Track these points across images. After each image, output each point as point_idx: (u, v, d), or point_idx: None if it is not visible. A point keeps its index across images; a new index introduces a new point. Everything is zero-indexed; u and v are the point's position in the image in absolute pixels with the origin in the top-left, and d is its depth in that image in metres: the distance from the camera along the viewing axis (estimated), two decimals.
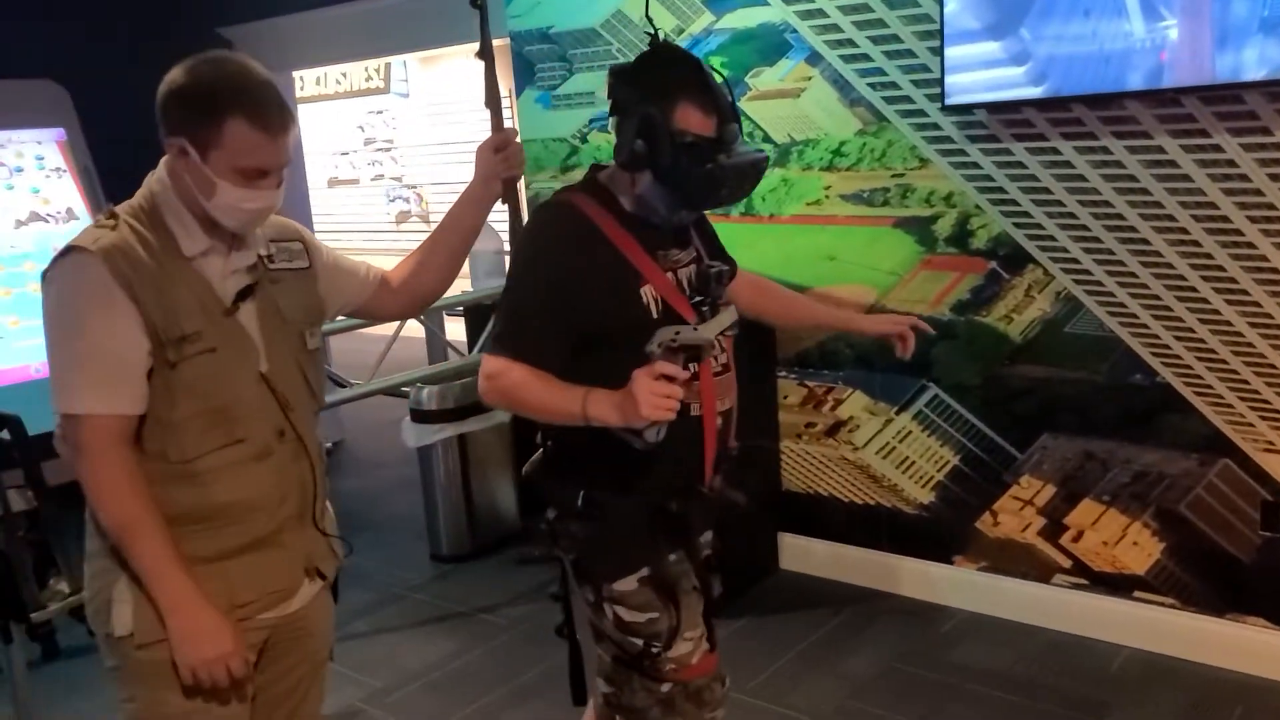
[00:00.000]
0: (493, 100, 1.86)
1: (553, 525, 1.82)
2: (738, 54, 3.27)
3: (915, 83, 2.96)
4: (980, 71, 2.74)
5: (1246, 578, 2.71)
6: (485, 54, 1.86)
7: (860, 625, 3.15)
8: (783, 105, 3.22)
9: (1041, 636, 3.00)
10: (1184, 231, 2.62)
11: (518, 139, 1.83)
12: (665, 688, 1.80)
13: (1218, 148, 2.53)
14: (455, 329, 4.85)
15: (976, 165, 2.91)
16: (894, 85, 3.00)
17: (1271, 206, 2.48)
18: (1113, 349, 2.78)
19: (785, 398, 3.44)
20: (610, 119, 1.71)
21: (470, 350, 4.31)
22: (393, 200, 10.67)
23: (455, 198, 1.83)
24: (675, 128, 1.61)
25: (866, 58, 3.02)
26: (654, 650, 1.78)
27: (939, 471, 3.18)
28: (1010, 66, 2.69)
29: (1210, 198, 2.56)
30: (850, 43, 3.04)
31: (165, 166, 1.54)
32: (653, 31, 1.75)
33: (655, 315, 1.69)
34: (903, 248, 3.10)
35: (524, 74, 3.84)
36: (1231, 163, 2.51)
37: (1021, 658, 2.91)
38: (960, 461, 3.13)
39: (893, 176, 3.07)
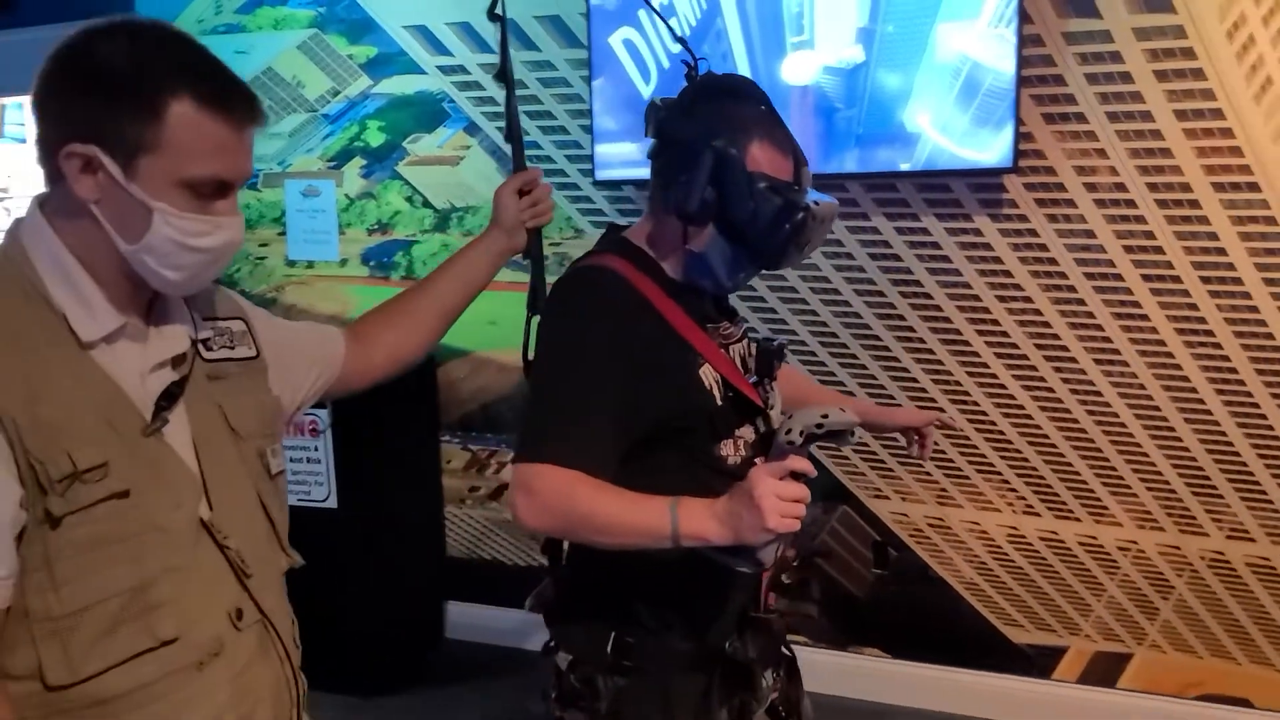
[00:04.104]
0: (514, 133, 1.60)
1: (566, 675, 1.42)
2: (396, 119, 3.26)
3: (569, 157, 3.10)
4: (626, 153, 2.93)
5: (863, 613, 3.02)
6: (505, 76, 1.61)
7: (524, 690, 3.14)
8: (442, 172, 3.25)
9: None
10: (804, 301, 2.92)
11: (543, 179, 1.55)
12: None
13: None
14: None
15: None
16: (549, 159, 3.12)
17: (872, 281, 2.84)
18: None
19: (449, 462, 3.42)
20: (653, 161, 1.39)
21: None
22: None
23: None
24: (749, 170, 1.31)
25: (522, 131, 3.12)
26: None
27: None
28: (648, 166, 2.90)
29: (824, 272, 2.88)
30: None
31: (40, 206, 1.04)
32: (691, 62, 1.45)
33: (719, 402, 1.37)
34: None
35: None
36: (839, 242, 2.85)
37: None
38: None
39: (550, 246, 3.17)
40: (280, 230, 3.47)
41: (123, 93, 0.97)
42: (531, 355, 1.40)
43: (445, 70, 3.17)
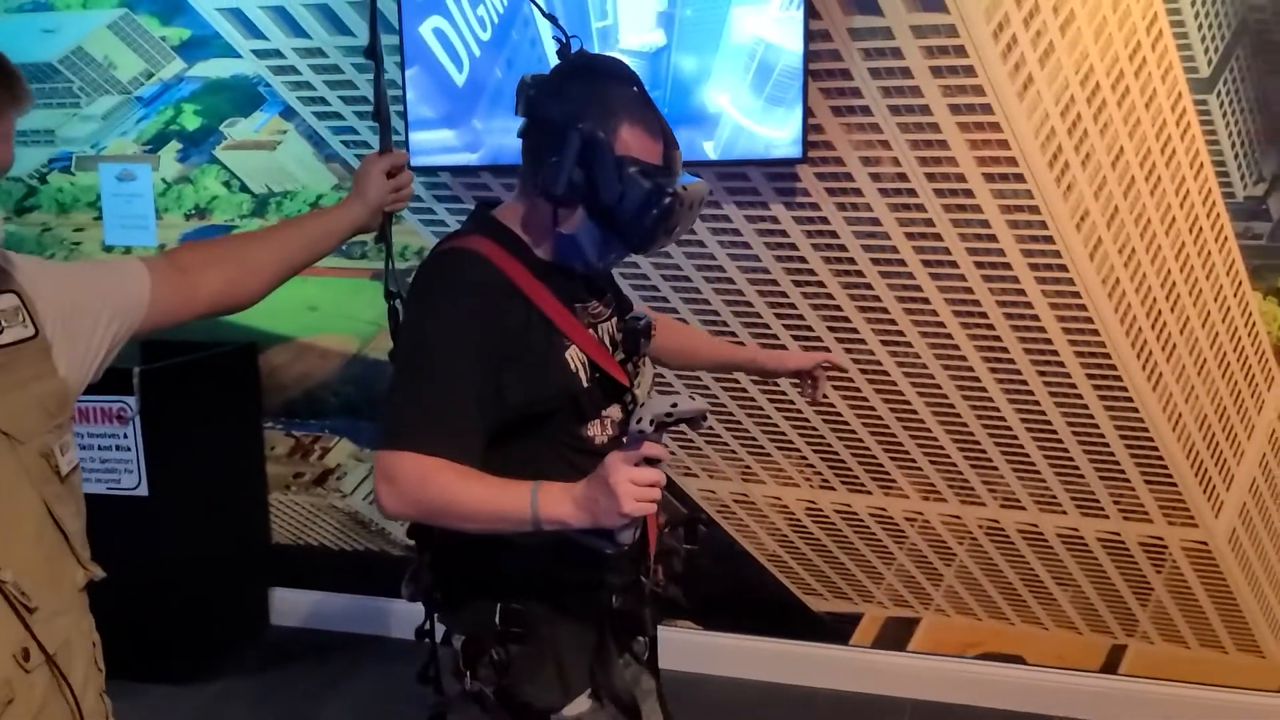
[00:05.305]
0: (382, 113, 1.55)
1: (462, 654, 1.43)
2: (211, 103, 3.23)
3: None
4: (443, 140, 2.96)
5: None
6: (374, 54, 1.54)
7: (347, 672, 3.18)
8: (259, 157, 3.23)
9: None
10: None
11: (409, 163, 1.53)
12: None
13: None
14: None
15: (444, 222, 3.12)
16: (365, 144, 3.13)
17: (679, 268, 2.93)
18: None
19: (272, 449, 3.40)
20: (523, 141, 1.38)
21: None
22: None
23: None
24: (618, 154, 1.31)
25: (339, 116, 3.13)
26: None
27: None
28: (465, 153, 2.93)
29: (633, 258, 2.96)
30: (323, 100, 3.13)
31: None
32: (562, 39, 1.42)
33: (585, 384, 1.39)
34: (380, 299, 3.21)
35: None
36: None
37: None
38: None
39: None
40: (96, 215, 3.40)
41: None
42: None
43: (260, 54, 3.14)
